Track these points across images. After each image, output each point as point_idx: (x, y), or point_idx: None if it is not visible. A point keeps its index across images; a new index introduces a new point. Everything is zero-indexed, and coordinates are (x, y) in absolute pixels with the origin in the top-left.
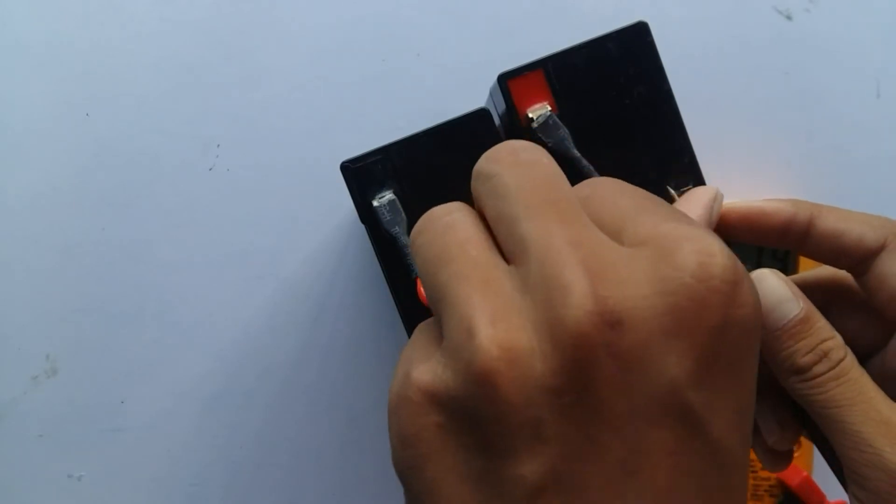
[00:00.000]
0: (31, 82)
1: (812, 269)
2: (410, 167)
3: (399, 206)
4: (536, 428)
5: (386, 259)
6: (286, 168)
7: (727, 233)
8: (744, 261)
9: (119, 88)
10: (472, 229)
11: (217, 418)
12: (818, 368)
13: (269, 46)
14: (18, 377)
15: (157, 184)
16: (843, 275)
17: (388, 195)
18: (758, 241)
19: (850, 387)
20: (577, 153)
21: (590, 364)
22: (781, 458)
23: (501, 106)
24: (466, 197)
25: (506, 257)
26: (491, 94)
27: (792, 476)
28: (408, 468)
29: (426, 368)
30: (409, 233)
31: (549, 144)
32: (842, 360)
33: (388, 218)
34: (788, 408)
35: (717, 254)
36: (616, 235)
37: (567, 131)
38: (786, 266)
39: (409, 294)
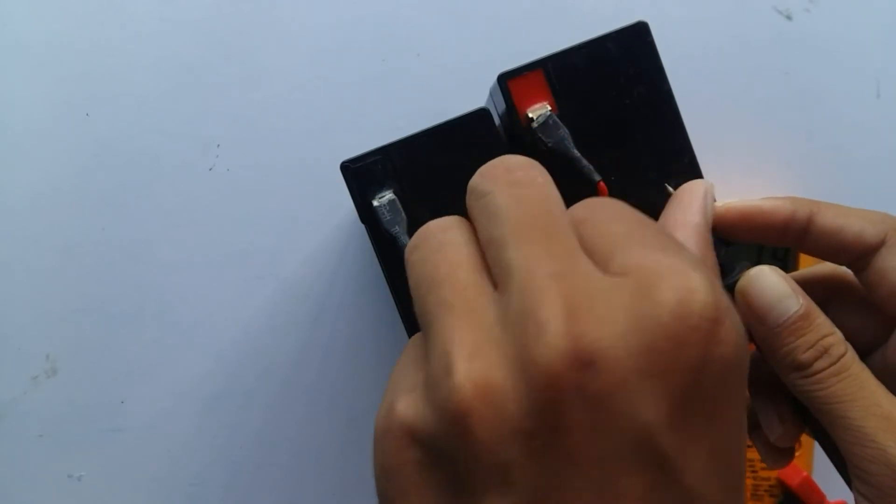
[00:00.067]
0: (31, 82)
1: (811, 266)
2: (410, 167)
3: (399, 206)
4: (506, 470)
5: (386, 259)
6: (286, 168)
7: (727, 232)
8: (743, 260)
9: (119, 88)
10: (465, 250)
11: (217, 418)
12: (819, 364)
13: (269, 46)
14: (18, 377)
15: (157, 184)
16: (842, 271)
17: (388, 195)
18: (758, 239)
19: (851, 382)
20: (577, 153)
21: (561, 406)
22: (783, 454)
23: (501, 106)
24: (464, 195)
25: (494, 281)
26: (491, 94)
27: (792, 476)
28: (387, 500)
29: (408, 403)
30: (409, 233)
31: (549, 144)
32: (842, 355)
33: (388, 218)
34: (789, 404)
35: (699, 289)
36: (605, 263)
37: (567, 131)
38: (786, 264)
39: (408, 294)
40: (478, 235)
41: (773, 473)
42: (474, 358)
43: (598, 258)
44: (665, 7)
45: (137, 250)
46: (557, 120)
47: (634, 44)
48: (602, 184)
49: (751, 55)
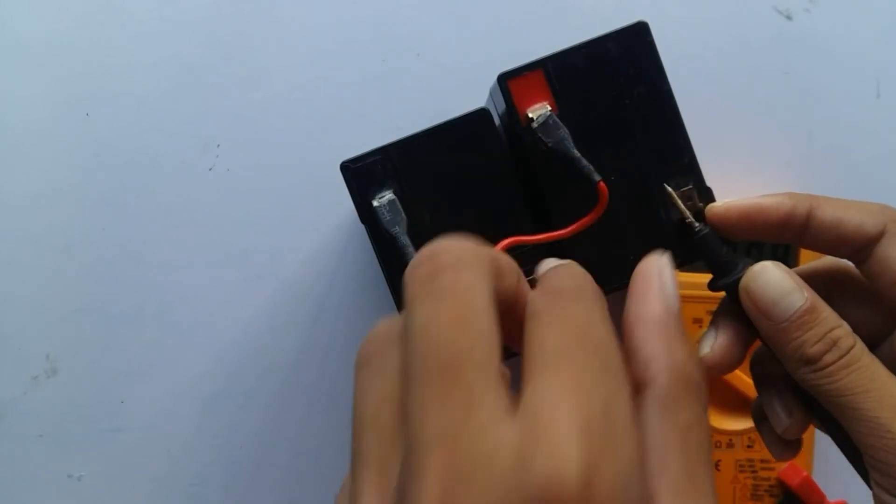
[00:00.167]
0: (31, 82)
1: (813, 261)
2: (410, 167)
3: (399, 206)
4: None
5: (386, 259)
6: (286, 168)
7: (727, 232)
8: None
9: (119, 88)
10: (395, 381)
11: (217, 418)
12: (828, 357)
13: (269, 46)
14: (18, 377)
15: (157, 184)
16: (844, 264)
17: (388, 195)
18: (758, 236)
19: (862, 374)
20: (576, 153)
21: None
22: (790, 446)
23: (501, 106)
24: (466, 197)
25: None
26: (491, 94)
27: (792, 476)
28: None
29: None
30: (409, 233)
31: (549, 144)
32: (851, 347)
33: (388, 218)
34: (796, 396)
35: (568, 474)
36: (523, 387)
37: (567, 131)
38: (786, 262)
39: None
40: None
41: (773, 473)
42: None
43: (525, 375)
44: (665, 7)
45: (137, 250)
46: (557, 120)
47: (634, 44)
48: (602, 184)
49: (751, 55)
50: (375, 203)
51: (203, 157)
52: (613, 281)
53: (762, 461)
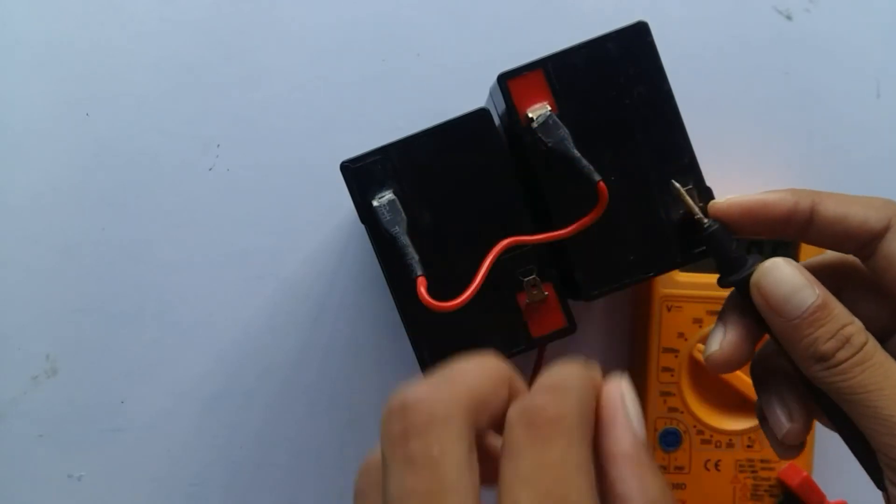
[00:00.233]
0: (31, 82)
1: (818, 255)
2: (410, 167)
3: (399, 206)
4: None
5: (386, 259)
6: (286, 168)
7: (730, 229)
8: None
9: (119, 88)
10: None
11: (217, 418)
12: (841, 354)
13: (269, 46)
14: (18, 377)
15: (157, 184)
16: (849, 259)
17: (388, 195)
18: (761, 233)
19: (875, 371)
20: (576, 153)
21: None
22: (793, 447)
23: (501, 106)
24: (466, 197)
25: None
26: (491, 94)
27: (792, 476)
28: None
29: None
30: (409, 233)
31: (549, 144)
32: (864, 344)
33: (388, 218)
34: (797, 399)
35: None
36: None
37: (567, 131)
38: None
39: (409, 294)
40: None
41: (773, 473)
42: None
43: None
44: (665, 7)
45: (137, 250)
46: (557, 120)
47: (634, 44)
48: (602, 184)
49: (751, 55)
50: (375, 203)
51: (203, 157)
52: (613, 280)
53: (762, 461)
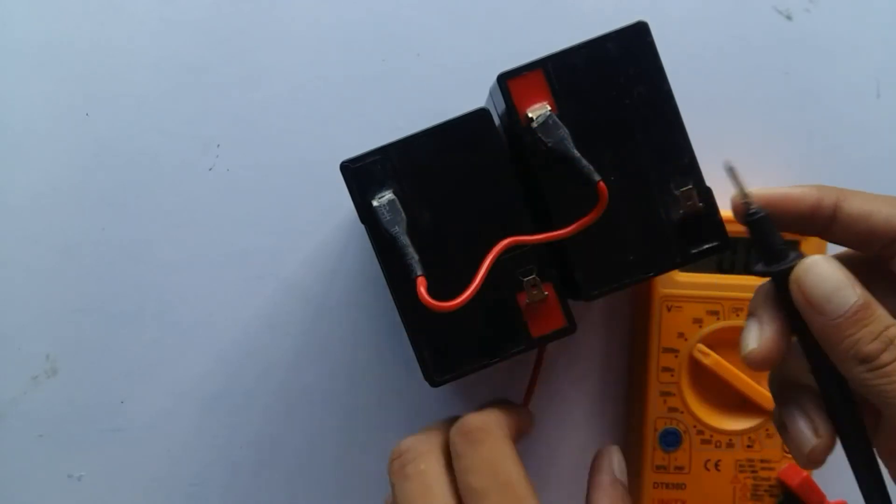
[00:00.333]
0: (31, 82)
1: (839, 252)
2: (410, 167)
3: (399, 206)
4: None
5: (386, 259)
6: (286, 168)
7: None
8: (746, 260)
9: (119, 88)
10: None
11: (217, 418)
12: (886, 357)
13: (269, 46)
14: (18, 377)
15: (157, 184)
16: (869, 259)
17: (388, 195)
18: (783, 228)
19: None
20: (576, 153)
21: None
22: (818, 462)
23: (501, 106)
24: (466, 197)
25: None
26: (491, 94)
27: (792, 476)
28: None
29: None
30: (409, 233)
31: (549, 144)
32: None
33: (388, 218)
34: (821, 413)
35: None
36: None
37: (567, 131)
38: None
39: (409, 294)
40: None
41: (773, 473)
42: None
43: None
44: (665, 7)
45: (137, 250)
46: (557, 120)
47: (634, 44)
48: (602, 184)
49: (751, 55)
50: (375, 203)
51: (203, 157)
52: (613, 280)
53: (762, 461)
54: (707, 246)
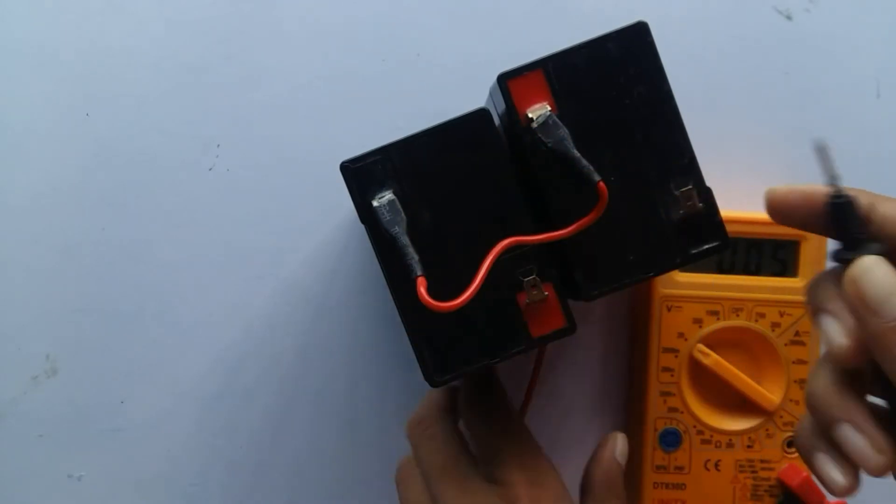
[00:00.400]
0: (31, 82)
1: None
2: (410, 167)
3: (399, 206)
4: None
5: (386, 259)
6: (286, 168)
7: (785, 216)
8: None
9: (119, 88)
10: (420, 490)
11: (217, 418)
12: None
13: (269, 46)
14: (18, 377)
15: (157, 184)
16: None
17: (388, 195)
18: (813, 226)
19: None
20: (576, 153)
21: None
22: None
23: (501, 106)
24: (466, 197)
25: None
26: (491, 94)
27: (792, 476)
28: None
29: None
30: (409, 233)
31: (549, 144)
32: None
33: (388, 218)
34: (880, 428)
35: None
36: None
37: (567, 131)
38: (785, 267)
39: (409, 294)
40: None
41: (773, 473)
42: None
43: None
44: (665, 7)
45: (137, 250)
46: (557, 120)
47: (634, 44)
48: (602, 184)
49: (751, 55)
50: (375, 203)
51: (203, 157)
52: (613, 280)
53: (762, 461)
54: (707, 246)
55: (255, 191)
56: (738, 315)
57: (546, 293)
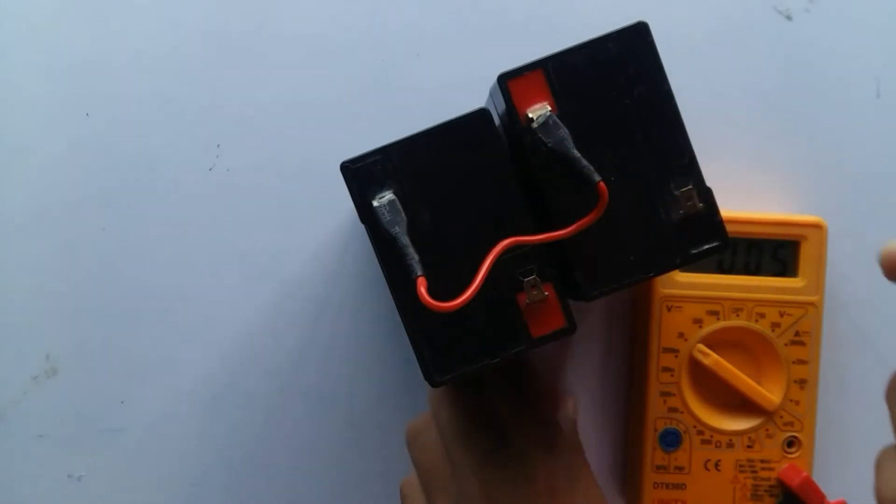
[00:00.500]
0: (31, 82)
1: None
2: (410, 167)
3: (399, 206)
4: None
5: (386, 259)
6: (286, 168)
7: None
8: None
9: (119, 88)
10: (435, 448)
11: (217, 418)
12: None
13: (269, 46)
14: (18, 377)
15: (157, 184)
16: None
17: (388, 195)
18: None
19: None
20: (576, 153)
21: None
22: None
23: (501, 106)
24: (466, 197)
25: None
26: (491, 94)
27: (792, 476)
28: None
29: None
30: (409, 233)
31: (549, 144)
32: None
33: (388, 218)
34: None
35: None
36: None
37: (567, 131)
38: (786, 267)
39: (409, 294)
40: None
41: (773, 473)
42: None
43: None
44: (665, 7)
45: (137, 250)
46: (557, 120)
47: (634, 44)
48: (602, 184)
49: (751, 55)
50: (375, 203)
51: (203, 157)
52: (613, 280)
53: (762, 461)
54: (707, 246)
55: (256, 191)
56: (738, 315)
57: (546, 293)
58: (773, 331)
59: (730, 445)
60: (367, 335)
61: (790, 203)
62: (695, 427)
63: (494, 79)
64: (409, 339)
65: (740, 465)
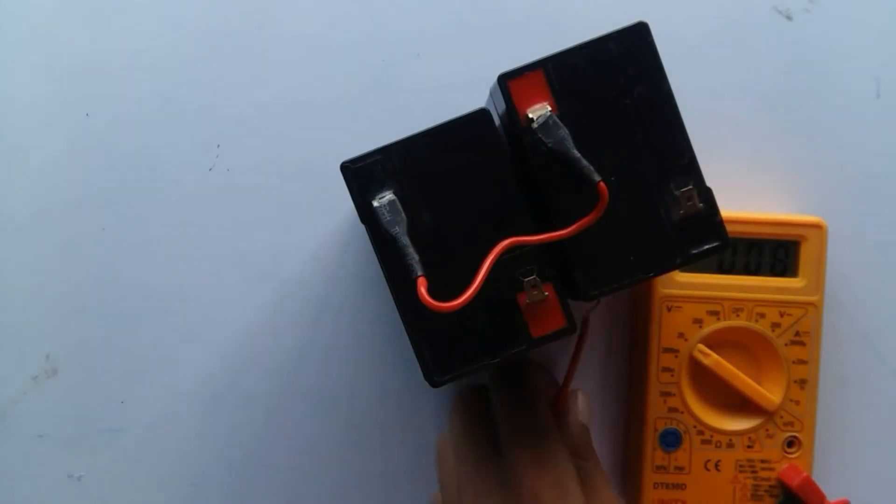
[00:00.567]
0: (31, 82)
1: None
2: (410, 167)
3: (399, 206)
4: None
5: (386, 259)
6: (286, 168)
7: None
8: (746, 260)
9: (119, 88)
10: (452, 464)
11: (217, 418)
12: None
13: (269, 46)
14: (18, 377)
15: (157, 184)
16: None
17: (388, 195)
18: None
19: None
20: (576, 153)
21: None
22: None
23: (501, 106)
24: (466, 197)
25: None
26: (491, 94)
27: (792, 476)
28: None
29: None
30: (408, 233)
31: (549, 144)
32: None
33: (388, 218)
34: None
35: None
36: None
37: (567, 131)
38: (786, 267)
39: (409, 294)
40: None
41: (773, 474)
42: None
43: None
44: (665, 7)
45: (137, 250)
46: (557, 120)
47: (634, 44)
48: (602, 184)
49: (751, 55)
50: (375, 203)
51: (203, 157)
52: (613, 280)
53: (762, 461)
54: (707, 246)
55: (256, 191)
56: (738, 315)
57: (546, 293)
58: (773, 331)
59: (730, 445)
60: (367, 335)
61: (790, 203)
62: (695, 427)
63: (494, 79)
64: (409, 339)
65: (740, 466)
